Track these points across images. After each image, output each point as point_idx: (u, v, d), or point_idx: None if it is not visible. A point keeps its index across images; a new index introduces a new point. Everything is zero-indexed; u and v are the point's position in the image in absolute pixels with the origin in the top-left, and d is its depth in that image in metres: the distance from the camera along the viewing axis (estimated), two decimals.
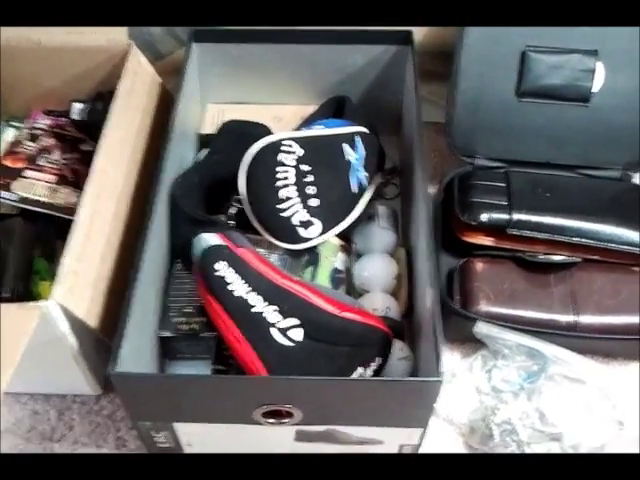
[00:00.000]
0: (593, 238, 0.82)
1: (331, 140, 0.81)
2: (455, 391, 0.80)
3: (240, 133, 0.90)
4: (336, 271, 0.84)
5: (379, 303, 0.80)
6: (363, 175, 0.83)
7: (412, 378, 0.72)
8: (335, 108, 0.94)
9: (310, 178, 0.78)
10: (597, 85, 0.86)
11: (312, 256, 0.83)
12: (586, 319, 0.79)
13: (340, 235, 0.84)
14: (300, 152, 0.77)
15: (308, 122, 0.91)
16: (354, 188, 0.82)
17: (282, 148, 0.76)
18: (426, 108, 0.92)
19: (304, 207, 0.77)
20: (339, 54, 0.93)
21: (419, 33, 0.92)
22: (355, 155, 0.82)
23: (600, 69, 0.86)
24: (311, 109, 0.97)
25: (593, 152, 0.89)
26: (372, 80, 0.95)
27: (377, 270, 0.84)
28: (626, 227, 0.82)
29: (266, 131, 0.91)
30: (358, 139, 0.83)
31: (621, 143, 0.89)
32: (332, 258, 0.84)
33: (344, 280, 0.84)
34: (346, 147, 0.81)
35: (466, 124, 0.90)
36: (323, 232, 0.79)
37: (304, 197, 0.77)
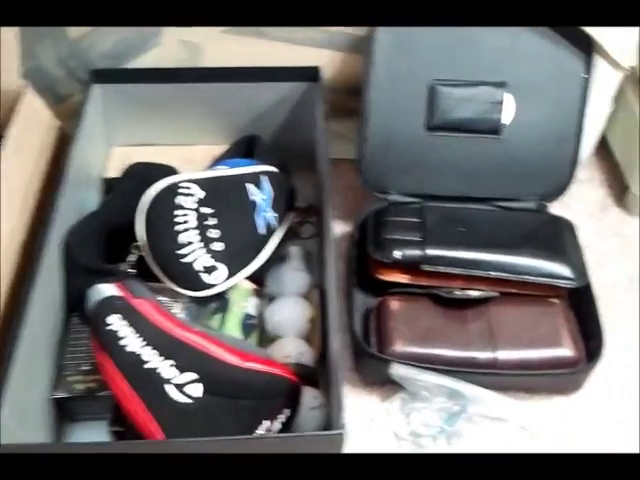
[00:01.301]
0: (510, 271, 0.80)
1: (234, 181, 0.78)
2: (373, 437, 0.76)
3: (144, 176, 0.86)
4: (248, 317, 0.81)
5: (292, 349, 0.76)
6: (272, 216, 0.80)
7: (311, 432, 0.68)
8: (246, 147, 0.92)
9: (212, 221, 0.74)
10: (508, 117, 0.85)
11: (221, 302, 0.80)
12: (504, 355, 0.77)
13: (252, 278, 0.81)
14: (201, 194, 0.74)
15: (215, 163, 0.88)
16: (262, 229, 0.79)
17: (180, 191, 0.73)
18: (341, 145, 0.91)
19: (207, 252, 0.74)
20: (248, 92, 0.91)
21: (328, 69, 0.91)
22: (262, 195, 0.79)
23: (510, 101, 0.85)
24: (223, 149, 0.94)
25: (507, 184, 0.88)
26: (284, 118, 0.93)
27: (289, 314, 0.80)
28: (542, 259, 0.81)
29: (172, 173, 0.87)
30: (264, 179, 0.80)
31: (535, 174, 0.88)
32: (243, 303, 0.81)
33: (256, 326, 0.81)
34: (251, 187, 0.78)
35: (378, 160, 0.88)
36: (229, 277, 0.76)
37: (206, 241, 0.74)
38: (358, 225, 0.89)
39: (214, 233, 0.74)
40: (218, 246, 0.74)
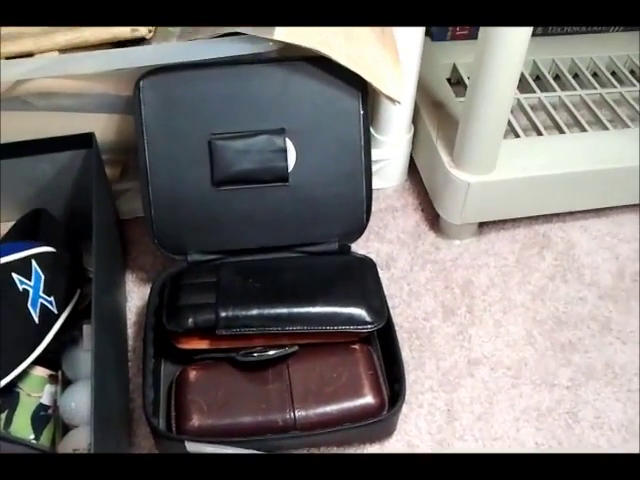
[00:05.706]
0: (307, 324, 0.78)
1: None
2: None
3: None
4: (42, 408, 0.76)
5: (80, 441, 0.72)
6: (47, 300, 0.76)
7: None
8: (32, 222, 0.87)
9: None
10: (290, 163, 0.83)
11: (8, 398, 0.75)
12: (303, 414, 0.74)
13: (52, 365, 0.77)
14: None
15: None
16: (36, 318, 0.74)
17: None
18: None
19: None
20: (25, 166, 0.85)
21: (108, 132, 0.87)
22: (32, 282, 0.74)
23: (290, 147, 0.83)
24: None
25: (305, 230, 0.86)
26: (69, 188, 0.89)
27: (82, 400, 0.76)
28: (338, 306, 0.79)
29: None
30: (34, 263, 0.75)
31: (330, 216, 0.86)
32: (37, 394, 0.77)
33: (51, 417, 0.76)
34: (17, 276, 0.73)
35: (167, 221, 0.84)
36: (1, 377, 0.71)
37: None
38: (157, 290, 0.85)
39: None
40: None
